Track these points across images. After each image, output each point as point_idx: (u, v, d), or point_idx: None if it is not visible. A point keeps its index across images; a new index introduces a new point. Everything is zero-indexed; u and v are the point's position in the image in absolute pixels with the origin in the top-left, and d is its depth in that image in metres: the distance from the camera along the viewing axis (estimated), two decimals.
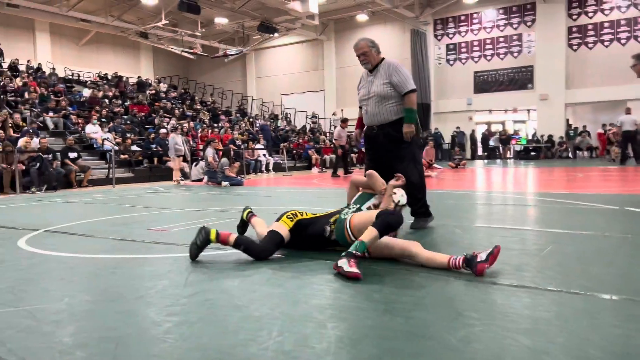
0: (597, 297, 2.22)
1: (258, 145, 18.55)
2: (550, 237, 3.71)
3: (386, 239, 2.98)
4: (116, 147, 14.11)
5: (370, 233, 2.83)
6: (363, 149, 20.65)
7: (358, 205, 3.42)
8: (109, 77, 22.64)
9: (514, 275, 2.64)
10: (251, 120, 23.31)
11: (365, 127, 4.47)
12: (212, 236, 3.13)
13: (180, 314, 2.17)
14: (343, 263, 2.72)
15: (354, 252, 2.78)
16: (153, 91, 22.05)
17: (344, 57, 26.03)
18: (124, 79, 22.93)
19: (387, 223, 2.87)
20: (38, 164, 10.93)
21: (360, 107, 4.55)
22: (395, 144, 4.22)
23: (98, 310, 2.27)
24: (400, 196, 3.35)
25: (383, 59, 4.30)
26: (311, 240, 3.32)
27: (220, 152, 12.28)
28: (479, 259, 2.65)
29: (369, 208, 3.41)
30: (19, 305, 2.36)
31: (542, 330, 1.85)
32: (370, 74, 4.33)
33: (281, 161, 18.55)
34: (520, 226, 4.26)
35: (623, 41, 20.29)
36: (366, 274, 2.72)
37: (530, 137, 22.93)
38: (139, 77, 24.79)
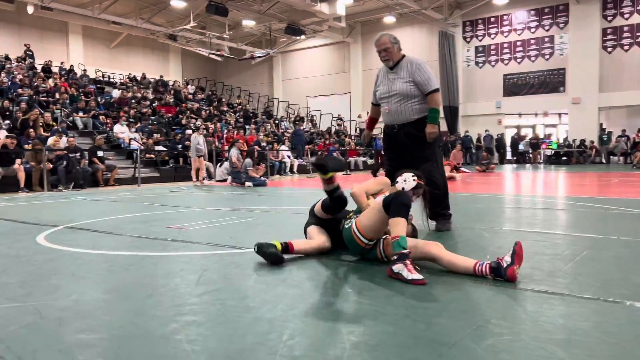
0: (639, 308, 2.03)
1: (283, 147, 18.52)
2: (585, 242, 3.49)
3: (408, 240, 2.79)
4: (142, 147, 14.24)
5: (396, 225, 2.61)
6: (379, 150, 20.57)
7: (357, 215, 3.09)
8: (138, 78, 22.94)
9: (546, 281, 2.46)
10: (277, 122, 23.32)
11: (385, 125, 4.28)
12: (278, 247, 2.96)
13: (189, 314, 2.06)
14: (400, 269, 2.49)
15: (403, 251, 2.54)
16: (172, 91, 22.23)
17: (370, 59, 25.83)
18: (152, 80, 23.22)
19: (401, 203, 2.66)
20: (65, 162, 11.09)
21: (375, 104, 4.38)
22: (417, 144, 4.06)
23: (106, 307, 2.19)
24: (403, 181, 3.12)
25: (404, 56, 4.13)
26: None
27: (245, 153, 12.26)
28: (504, 264, 2.46)
29: None
30: (27, 300, 2.30)
31: (580, 342, 1.68)
32: (390, 71, 4.14)
33: (306, 163, 18.46)
34: (551, 230, 4.04)
35: None
36: (387, 280, 2.58)
37: (561, 142, 22.30)
38: (161, 76, 25.07)
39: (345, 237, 3.01)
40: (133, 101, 18.76)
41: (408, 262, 2.52)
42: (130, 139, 14.75)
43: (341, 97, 27.02)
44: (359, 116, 24.46)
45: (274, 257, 2.89)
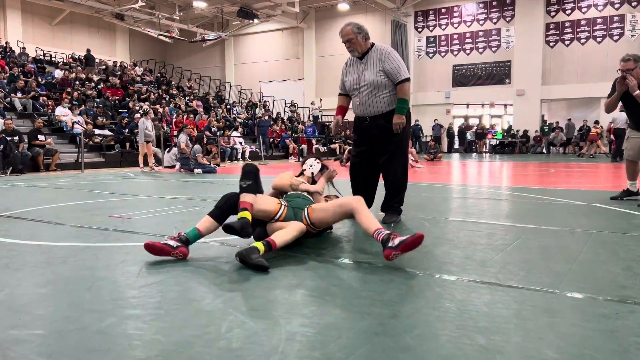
0: (557, 295, 2.19)
1: (234, 133, 18.32)
2: (517, 232, 3.69)
3: (325, 204, 3.12)
4: (86, 131, 13.74)
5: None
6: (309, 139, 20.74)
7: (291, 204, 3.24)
8: (82, 58, 21.98)
9: (476, 270, 2.60)
10: (228, 107, 23.00)
11: (355, 117, 4.24)
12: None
13: (128, 307, 2.06)
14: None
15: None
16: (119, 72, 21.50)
17: (324, 46, 25.85)
18: (97, 60, 22.31)
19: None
20: (2, 146, 10.57)
21: (342, 95, 4.29)
22: (387, 136, 4.06)
23: (41, 301, 2.15)
24: (310, 167, 3.49)
25: (373, 44, 4.05)
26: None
27: (194, 139, 12.06)
28: (390, 244, 2.62)
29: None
30: None
31: (499, 329, 1.81)
32: (360, 61, 4.06)
33: (257, 150, 18.36)
34: (487, 220, 4.24)
35: (599, 39, 20.57)
36: (328, 269, 2.65)
37: (505, 132, 23.17)
38: (114, 61, 24.17)
39: (291, 212, 3.14)
40: (77, 82, 18.01)
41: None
42: (73, 123, 14.19)
43: (295, 83, 26.92)
44: (312, 103, 24.48)
45: (260, 267, 2.59)
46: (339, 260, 2.83)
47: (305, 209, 3.17)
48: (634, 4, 19.86)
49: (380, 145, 4.11)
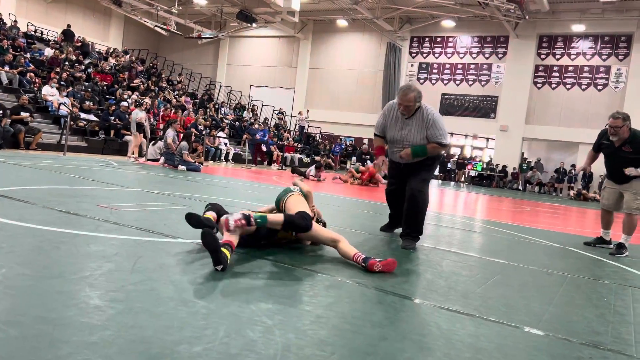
0: (535, 335, 2.31)
1: (221, 134, 18.28)
2: (496, 267, 3.83)
3: (316, 228, 3.42)
4: (69, 112, 13.56)
5: (277, 218, 3.23)
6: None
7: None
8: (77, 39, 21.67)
9: (460, 301, 2.71)
10: (217, 107, 22.94)
11: (391, 160, 4.57)
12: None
13: (125, 301, 2.10)
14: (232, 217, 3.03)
15: (251, 216, 3.08)
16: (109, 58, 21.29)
17: (318, 58, 26.06)
18: (91, 44, 22.06)
19: (293, 222, 3.26)
20: None
21: (379, 136, 4.56)
22: (417, 166, 4.36)
23: (37, 286, 2.17)
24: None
25: (419, 106, 4.23)
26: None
27: (181, 135, 12.03)
28: (372, 259, 3.12)
29: None
30: None
31: None
32: (403, 116, 4.28)
33: (242, 152, 18.33)
34: (468, 252, 4.37)
35: (584, 87, 21.24)
36: (316, 282, 2.73)
37: (485, 165, 23.65)
38: (108, 48, 23.92)
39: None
40: (67, 63, 17.77)
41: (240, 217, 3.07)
42: (59, 104, 13.99)
43: (285, 92, 27.01)
44: (300, 113, 24.59)
45: (203, 225, 3.19)
46: (326, 275, 2.90)
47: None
48: (620, 57, 20.61)
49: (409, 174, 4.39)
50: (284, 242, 3.66)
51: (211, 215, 3.42)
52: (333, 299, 2.52)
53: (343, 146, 23.39)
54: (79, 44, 20.99)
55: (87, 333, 1.75)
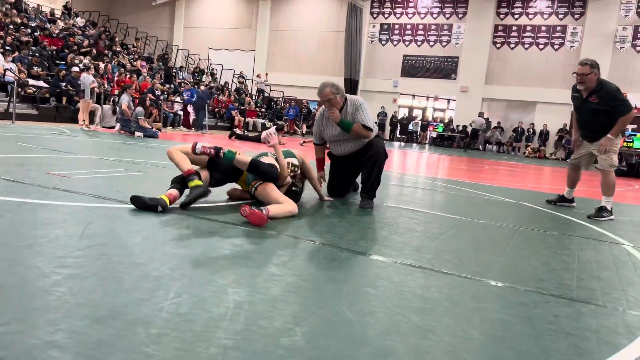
0: (484, 283, 2.39)
1: (178, 99, 17.79)
2: (451, 222, 3.92)
3: (272, 188, 3.46)
4: (16, 78, 12.91)
5: (245, 158, 3.31)
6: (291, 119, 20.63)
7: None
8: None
9: (413, 255, 2.77)
10: (175, 71, 22.26)
11: (330, 153, 4.65)
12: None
13: (73, 266, 2.05)
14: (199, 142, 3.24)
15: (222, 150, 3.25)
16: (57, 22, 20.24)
17: (278, 19, 25.50)
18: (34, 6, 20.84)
19: (258, 166, 3.35)
20: None
21: (318, 145, 4.64)
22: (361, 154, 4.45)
23: None
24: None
25: (346, 99, 4.32)
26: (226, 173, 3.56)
27: (137, 101, 11.65)
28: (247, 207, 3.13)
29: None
30: None
31: (431, 310, 1.96)
32: None
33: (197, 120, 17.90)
34: (424, 209, 4.46)
35: (541, 46, 21.59)
36: (271, 242, 2.73)
37: (445, 126, 23.97)
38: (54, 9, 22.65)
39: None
40: (11, 27, 16.77)
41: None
42: (5, 69, 13.28)
43: (245, 54, 26.41)
44: (258, 76, 24.15)
45: (152, 206, 3.11)
46: (284, 236, 2.91)
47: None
48: (576, 16, 20.96)
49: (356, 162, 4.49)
50: (239, 200, 3.68)
51: (172, 192, 3.27)
52: (288, 257, 2.53)
53: (297, 109, 22.23)
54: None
55: (29, 299, 1.70)
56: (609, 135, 4.80)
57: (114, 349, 1.41)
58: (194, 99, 16.75)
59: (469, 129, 22.16)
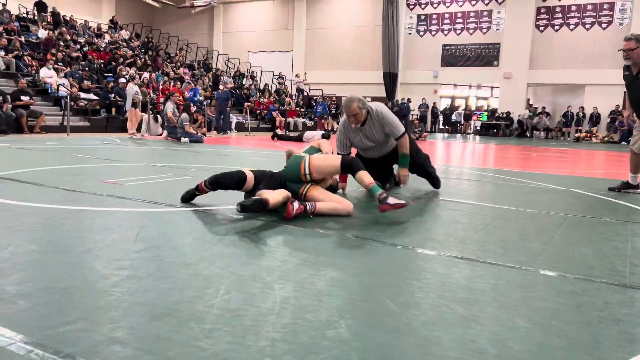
0: (531, 272, 2.36)
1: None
2: (497, 212, 3.87)
3: (329, 195, 3.54)
4: (69, 92, 13.55)
5: (364, 176, 3.42)
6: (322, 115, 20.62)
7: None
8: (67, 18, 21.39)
9: (457, 247, 2.76)
10: (216, 76, 22.74)
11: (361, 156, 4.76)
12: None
13: (129, 268, 2.17)
14: (390, 200, 3.24)
15: (380, 192, 3.30)
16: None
17: (314, 18, 25.61)
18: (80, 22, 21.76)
19: (359, 162, 3.49)
20: None
21: (343, 153, 4.60)
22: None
23: (44, 260, 2.25)
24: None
25: (368, 111, 4.34)
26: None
27: (181, 107, 12.01)
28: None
29: None
30: None
31: (476, 300, 1.96)
32: (361, 126, 4.39)
33: (244, 121, 18.30)
34: (469, 201, 4.41)
35: (587, 26, 20.73)
36: (316, 238, 2.79)
37: (490, 114, 23.41)
38: (99, 23, 23.60)
39: (291, 161, 3.60)
40: (62, 43, 17.62)
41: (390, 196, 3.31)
42: (58, 85, 13.97)
43: (283, 55, 26.68)
44: (297, 76, 24.34)
45: (260, 204, 3.12)
46: (326, 232, 2.96)
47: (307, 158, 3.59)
48: None
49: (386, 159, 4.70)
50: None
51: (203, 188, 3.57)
52: (331, 252, 2.58)
53: (325, 105, 21.63)
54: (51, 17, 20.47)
55: (92, 299, 1.82)
56: None
57: (170, 344, 1.50)
58: (195, 98, 16.58)
59: (514, 117, 21.55)
